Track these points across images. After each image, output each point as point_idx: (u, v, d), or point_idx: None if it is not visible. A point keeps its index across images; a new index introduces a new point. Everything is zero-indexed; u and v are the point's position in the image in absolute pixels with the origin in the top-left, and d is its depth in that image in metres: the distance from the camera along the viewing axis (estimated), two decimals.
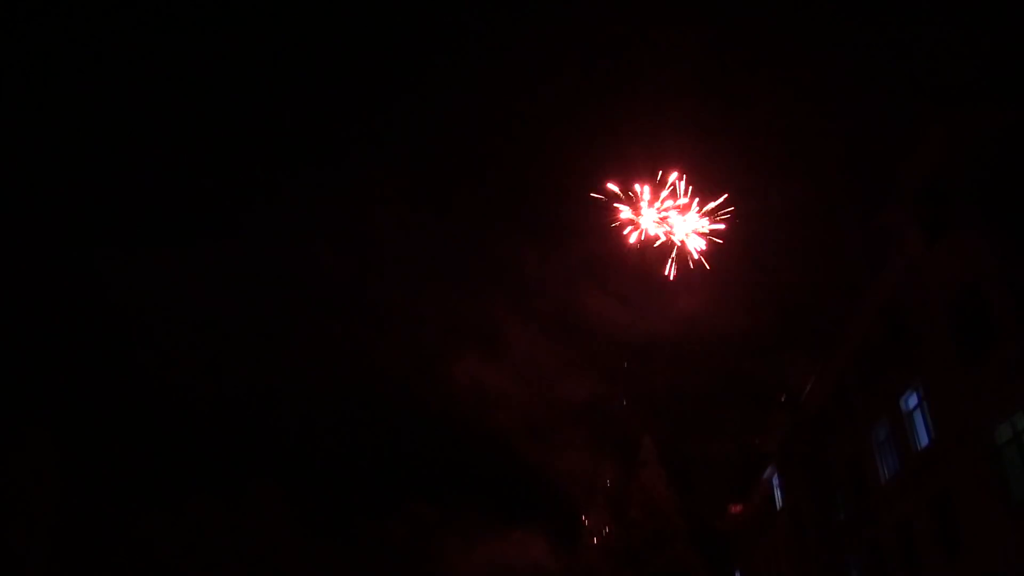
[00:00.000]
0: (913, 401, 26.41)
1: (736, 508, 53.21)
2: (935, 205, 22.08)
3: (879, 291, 27.86)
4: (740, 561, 55.43)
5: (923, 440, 25.75)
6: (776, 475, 43.95)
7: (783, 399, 40.29)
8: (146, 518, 49.55)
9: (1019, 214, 18.96)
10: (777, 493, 44.48)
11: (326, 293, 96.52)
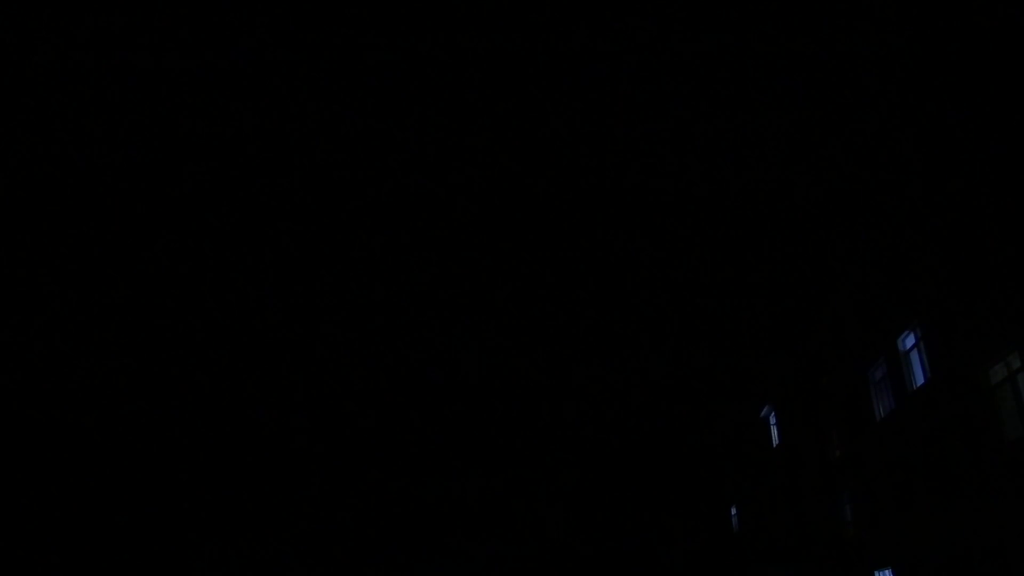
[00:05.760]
0: (911, 341, 26.28)
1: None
2: (936, 143, 21.60)
3: (878, 230, 27.50)
4: (736, 498, 56.31)
5: (919, 380, 25.70)
6: (773, 413, 44.28)
7: (780, 338, 40.26)
8: None
9: (1021, 153, 18.49)
10: (773, 431, 44.87)
11: None
